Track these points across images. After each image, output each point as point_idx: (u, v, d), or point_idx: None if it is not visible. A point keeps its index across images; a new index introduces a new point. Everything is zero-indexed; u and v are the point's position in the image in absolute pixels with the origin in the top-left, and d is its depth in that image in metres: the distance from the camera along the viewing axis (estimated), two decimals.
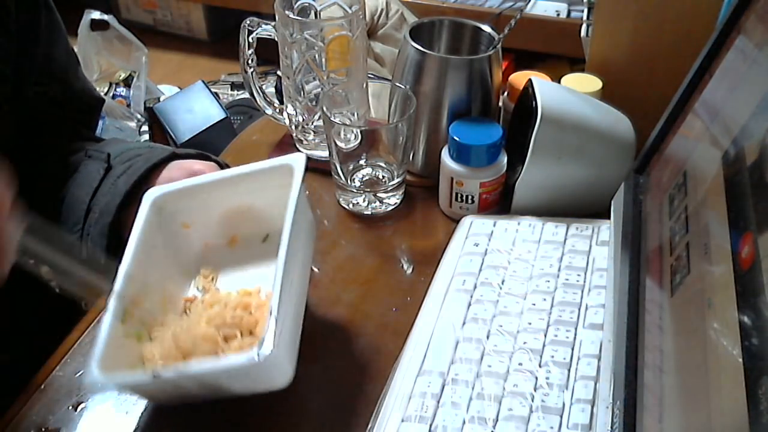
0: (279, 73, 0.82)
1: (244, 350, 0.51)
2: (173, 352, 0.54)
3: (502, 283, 0.63)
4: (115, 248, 0.63)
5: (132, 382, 0.52)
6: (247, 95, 0.84)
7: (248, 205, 0.62)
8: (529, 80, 0.71)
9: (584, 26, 0.85)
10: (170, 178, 0.66)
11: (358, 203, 0.75)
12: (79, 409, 0.57)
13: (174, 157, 0.71)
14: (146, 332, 0.57)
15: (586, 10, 0.87)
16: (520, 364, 0.55)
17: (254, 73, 0.80)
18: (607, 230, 0.66)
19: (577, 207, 0.71)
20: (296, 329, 0.55)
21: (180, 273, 0.62)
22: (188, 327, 0.55)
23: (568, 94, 0.72)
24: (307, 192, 0.78)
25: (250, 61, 0.79)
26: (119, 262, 0.57)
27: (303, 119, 0.80)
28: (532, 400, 0.52)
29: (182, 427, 0.56)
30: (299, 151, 0.83)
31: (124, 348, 0.54)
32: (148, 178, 0.68)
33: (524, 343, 0.57)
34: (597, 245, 0.65)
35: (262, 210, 0.62)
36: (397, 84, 0.74)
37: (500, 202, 0.74)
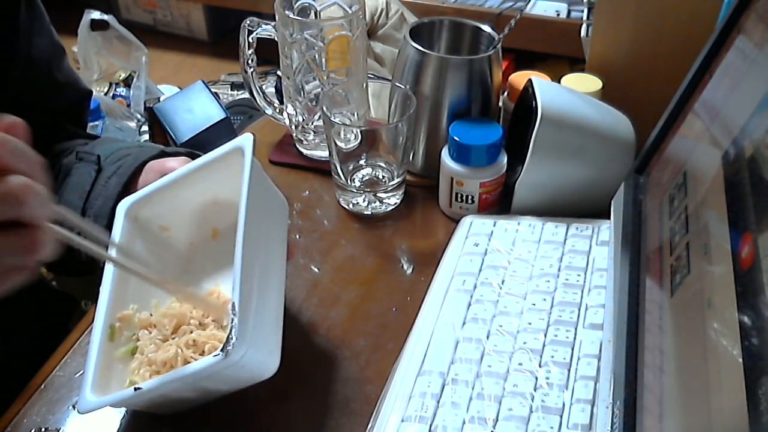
0: (279, 73, 0.82)
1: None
2: (149, 374, 0.54)
3: (502, 283, 0.63)
4: None
5: (120, 401, 0.52)
6: (247, 95, 0.84)
7: (216, 196, 0.62)
8: (529, 80, 0.71)
9: (584, 26, 0.85)
10: (146, 181, 0.65)
11: (358, 203, 0.75)
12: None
13: (163, 155, 0.70)
14: (136, 347, 0.56)
15: (586, 10, 0.87)
16: (520, 364, 0.55)
17: (254, 73, 0.80)
18: (607, 230, 0.66)
19: (577, 207, 0.71)
20: (272, 317, 0.54)
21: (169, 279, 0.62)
22: (156, 352, 0.55)
23: (568, 94, 0.72)
24: (307, 192, 0.78)
25: (250, 61, 0.79)
26: (101, 278, 0.57)
27: (303, 119, 0.80)
28: (532, 400, 0.52)
29: (182, 427, 0.56)
30: (299, 151, 0.83)
31: (116, 366, 0.55)
32: (139, 176, 0.68)
33: (524, 343, 0.57)
34: (597, 245, 0.65)
35: (230, 198, 0.60)
36: (397, 84, 0.74)
37: (500, 202, 0.74)
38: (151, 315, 0.58)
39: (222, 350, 0.47)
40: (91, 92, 0.84)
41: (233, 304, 0.49)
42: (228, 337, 0.48)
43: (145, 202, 0.61)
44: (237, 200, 0.54)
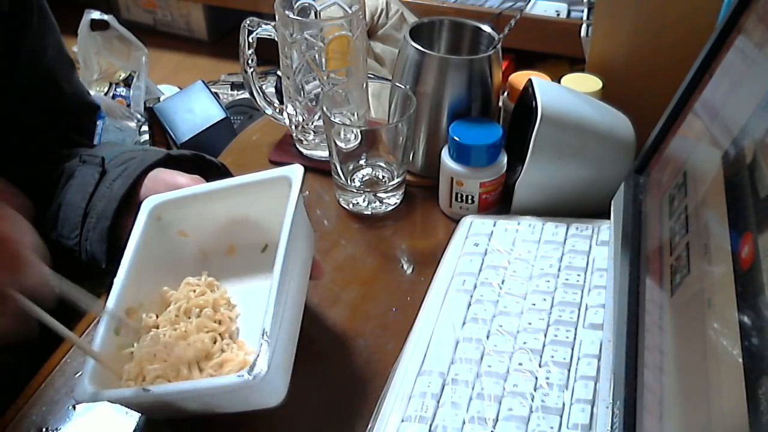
0: (279, 73, 0.82)
1: (232, 371, 0.52)
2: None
3: (502, 283, 0.63)
4: (115, 252, 0.63)
5: (121, 398, 0.52)
6: (247, 95, 0.84)
7: (246, 215, 0.62)
8: (529, 80, 0.71)
9: (584, 26, 0.85)
10: (153, 190, 0.65)
11: (358, 203, 0.75)
12: (78, 409, 0.57)
13: (168, 158, 0.70)
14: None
15: (586, 10, 0.87)
16: (520, 364, 0.55)
17: (254, 73, 0.80)
18: (607, 230, 0.66)
19: (577, 207, 0.71)
20: (291, 347, 0.54)
21: (176, 282, 0.62)
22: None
23: (568, 94, 0.72)
24: (307, 192, 0.78)
25: (250, 61, 0.79)
26: (116, 270, 0.57)
27: (303, 119, 0.80)
28: (532, 400, 0.52)
29: (182, 427, 0.56)
30: (299, 151, 0.83)
31: (118, 360, 0.55)
32: (143, 180, 0.68)
33: (524, 343, 0.57)
34: (597, 245, 0.65)
35: (260, 220, 0.62)
36: (397, 84, 0.74)
37: (500, 202, 0.74)
38: (156, 317, 0.58)
39: (249, 371, 0.47)
40: (99, 107, 0.85)
41: (264, 330, 0.49)
42: (255, 359, 0.48)
43: (173, 205, 0.62)
44: (266, 223, 0.55)
